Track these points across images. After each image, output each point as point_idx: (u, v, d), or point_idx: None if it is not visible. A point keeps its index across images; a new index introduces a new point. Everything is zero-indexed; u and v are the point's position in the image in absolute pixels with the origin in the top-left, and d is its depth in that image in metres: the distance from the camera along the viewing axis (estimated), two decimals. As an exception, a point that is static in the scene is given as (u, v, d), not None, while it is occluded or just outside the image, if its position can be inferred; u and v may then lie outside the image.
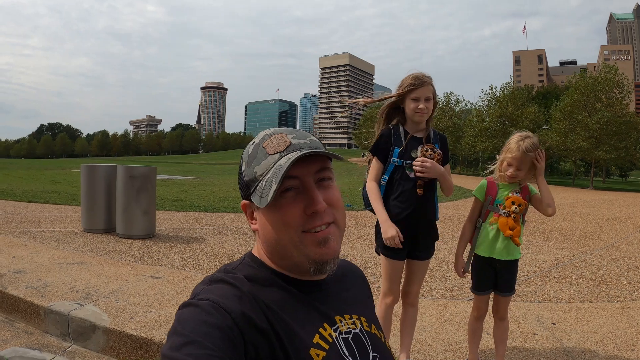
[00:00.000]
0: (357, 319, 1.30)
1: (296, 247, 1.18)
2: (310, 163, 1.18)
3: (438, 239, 3.68)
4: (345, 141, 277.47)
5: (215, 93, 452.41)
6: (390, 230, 3.29)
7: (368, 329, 1.30)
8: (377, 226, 3.53)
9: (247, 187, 1.23)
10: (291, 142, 1.20)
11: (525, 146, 3.38)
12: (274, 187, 1.11)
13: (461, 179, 41.28)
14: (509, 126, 55.79)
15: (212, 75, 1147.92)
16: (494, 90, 61.63)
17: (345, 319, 1.27)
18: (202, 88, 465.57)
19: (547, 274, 7.12)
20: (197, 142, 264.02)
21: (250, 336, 1.04)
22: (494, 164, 3.69)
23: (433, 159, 3.33)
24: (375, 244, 3.69)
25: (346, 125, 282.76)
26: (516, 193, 3.47)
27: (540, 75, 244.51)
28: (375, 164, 3.52)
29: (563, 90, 63.26)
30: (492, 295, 3.69)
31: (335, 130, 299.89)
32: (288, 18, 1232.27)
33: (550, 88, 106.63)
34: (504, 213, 3.43)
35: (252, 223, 1.28)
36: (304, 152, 1.13)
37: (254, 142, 1.25)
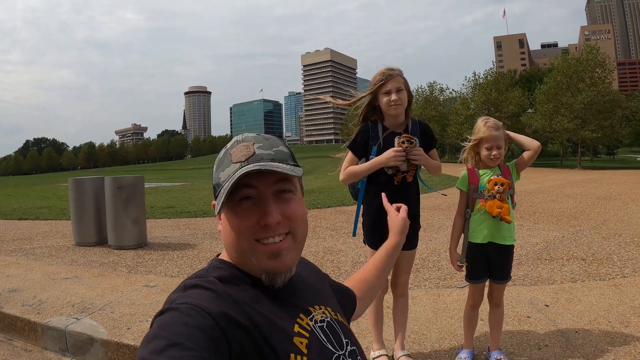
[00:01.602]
0: (325, 309, 1.35)
1: (248, 256, 1.22)
2: (268, 174, 1.20)
3: (420, 227, 3.74)
4: (332, 137, 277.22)
5: (199, 97, 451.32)
6: (387, 153, 3.35)
7: (336, 318, 1.36)
8: (356, 218, 3.63)
9: (214, 190, 1.28)
10: (254, 152, 1.22)
11: (493, 124, 3.52)
12: (223, 198, 1.17)
13: (449, 167, 41.27)
14: (494, 112, 55.99)
15: (196, 79, 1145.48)
16: (477, 77, 61.89)
17: (316, 309, 1.32)
18: (186, 93, 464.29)
19: (538, 257, 7.19)
20: (184, 147, 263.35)
21: (233, 334, 1.06)
22: (464, 152, 3.77)
23: (411, 149, 3.34)
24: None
25: (332, 121, 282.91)
26: (497, 176, 3.53)
27: (523, 59, 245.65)
28: (348, 157, 3.59)
29: (546, 73, 63.45)
30: (487, 283, 3.74)
31: (322, 127, 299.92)
32: (270, 17, 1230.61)
33: (533, 71, 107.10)
34: (489, 196, 3.48)
35: (219, 223, 1.31)
36: (255, 167, 1.16)
37: (226, 147, 1.30)
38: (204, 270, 1.29)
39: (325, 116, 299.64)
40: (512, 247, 3.63)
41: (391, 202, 3.44)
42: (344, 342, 1.29)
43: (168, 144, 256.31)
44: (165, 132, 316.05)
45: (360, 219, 3.73)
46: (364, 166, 3.45)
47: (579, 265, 6.63)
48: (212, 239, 9.58)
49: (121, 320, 4.65)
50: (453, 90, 72.90)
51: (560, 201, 14.94)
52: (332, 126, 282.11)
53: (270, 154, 1.23)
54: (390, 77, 3.41)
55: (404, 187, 3.48)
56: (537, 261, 6.91)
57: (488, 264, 3.62)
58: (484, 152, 3.55)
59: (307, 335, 1.20)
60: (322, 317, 1.31)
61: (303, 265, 1.51)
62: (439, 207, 13.29)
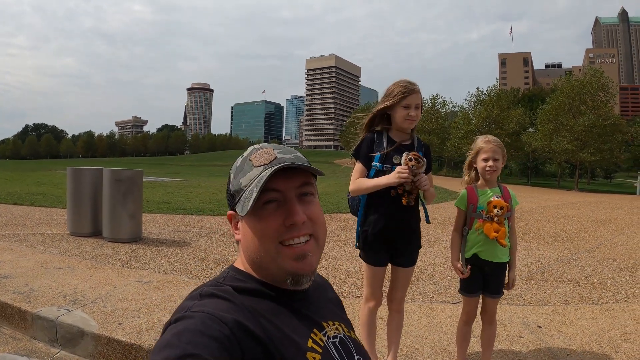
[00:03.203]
0: (338, 324, 1.35)
1: (273, 259, 1.22)
2: (292, 177, 1.23)
3: (420, 247, 3.72)
4: (331, 142, 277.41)
5: (201, 94, 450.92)
6: (393, 174, 3.32)
7: (349, 334, 1.35)
8: (358, 231, 3.60)
9: (233, 198, 1.28)
10: (276, 156, 1.24)
11: (492, 139, 3.60)
12: (254, 196, 1.16)
13: (447, 181, 41.40)
14: (495, 128, 56.10)
15: (199, 75, 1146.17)
16: (480, 92, 61.96)
17: (330, 325, 1.31)
18: (188, 89, 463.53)
19: (532, 277, 7.20)
20: (183, 143, 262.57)
21: (248, 345, 1.05)
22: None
23: (417, 168, 3.31)
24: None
25: (332, 127, 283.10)
26: (497, 197, 3.55)
27: (526, 77, 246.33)
28: (358, 167, 3.57)
29: (548, 93, 63.62)
30: (480, 300, 3.75)
31: (322, 132, 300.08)
32: (277, 18, 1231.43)
33: (536, 91, 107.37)
34: (487, 217, 3.50)
35: (236, 233, 1.32)
36: (285, 164, 1.19)
37: (243, 156, 1.31)
38: (220, 278, 1.28)
39: (326, 122, 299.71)
40: (506, 263, 3.67)
41: (392, 220, 3.46)
42: (356, 359, 1.28)
43: (167, 139, 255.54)
44: (165, 126, 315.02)
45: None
46: (371, 182, 3.43)
47: (572, 287, 6.64)
48: (207, 237, 9.55)
49: (113, 315, 4.63)
50: (456, 104, 72.96)
51: (556, 222, 14.96)
52: (332, 132, 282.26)
53: (291, 158, 1.25)
54: (413, 92, 3.44)
55: (406, 206, 3.47)
56: (531, 281, 6.92)
57: (482, 279, 3.66)
58: (480, 164, 3.60)
59: (320, 351, 1.19)
60: (335, 332, 1.30)
61: (318, 278, 1.50)
62: (434, 221, 13.30)
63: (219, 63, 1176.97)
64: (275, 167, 1.18)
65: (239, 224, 1.30)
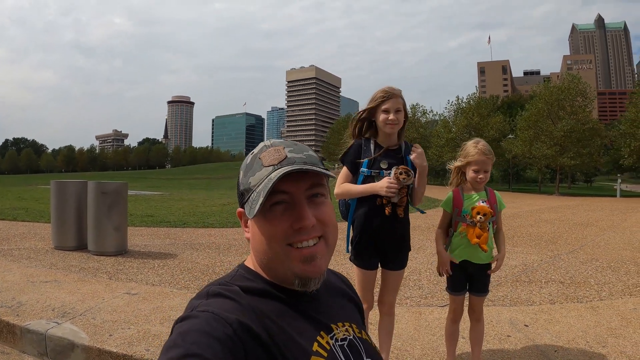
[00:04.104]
0: (349, 325, 1.31)
1: (281, 261, 1.19)
2: (302, 179, 1.20)
3: (410, 249, 3.77)
4: (312, 152, 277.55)
5: (182, 107, 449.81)
6: (381, 182, 3.40)
7: (360, 335, 1.31)
8: (348, 235, 3.65)
9: (242, 196, 1.25)
10: (287, 156, 1.21)
11: (482, 148, 3.61)
12: (261, 199, 1.14)
13: (428, 189, 41.57)
14: (475, 136, 56.33)
15: (179, 88, 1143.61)
16: (460, 101, 62.56)
17: (339, 327, 1.28)
18: (169, 102, 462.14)
19: (517, 279, 7.28)
20: (165, 156, 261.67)
21: (251, 347, 1.05)
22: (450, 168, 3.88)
23: (407, 182, 3.41)
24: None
25: (314, 137, 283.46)
26: (482, 202, 3.61)
27: (505, 85, 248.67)
28: (344, 172, 3.64)
29: (527, 100, 64.47)
30: (467, 299, 3.80)
31: (303, 143, 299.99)
32: (257, 31, 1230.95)
33: (515, 98, 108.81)
34: (471, 222, 3.57)
35: (245, 231, 1.30)
36: (294, 167, 1.15)
37: (253, 153, 1.28)
38: (228, 277, 1.27)
39: (307, 132, 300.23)
40: (489, 264, 3.73)
41: (381, 226, 3.52)
42: None
43: (148, 152, 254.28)
44: (146, 140, 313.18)
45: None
46: (358, 188, 3.50)
47: (557, 287, 6.74)
48: (192, 249, 9.56)
49: (103, 327, 4.62)
50: (436, 113, 73.52)
51: (539, 226, 15.14)
52: (313, 143, 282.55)
53: (302, 158, 1.23)
54: (392, 96, 3.51)
55: (394, 214, 3.54)
56: (516, 283, 7.01)
57: (467, 279, 3.74)
58: (470, 174, 3.67)
59: (326, 355, 1.17)
60: (344, 335, 1.27)
61: (331, 275, 1.49)
62: (418, 228, 13.40)
63: (200, 76, 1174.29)
64: (284, 171, 1.14)
65: (248, 222, 1.27)
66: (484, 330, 3.88)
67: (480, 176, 3.61)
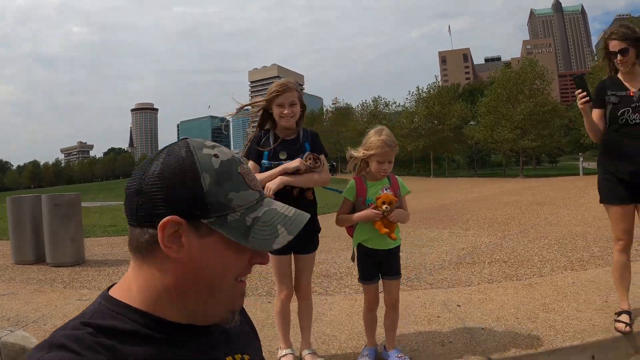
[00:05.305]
0: (242, 356, 1.15)
1: (227, 296, 1.05)
2: None
3: (319, 230, 3.83)
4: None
5: (146, 114, 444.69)
6: (276, 180, 3.47)
7: None
8: None
9: (204, 206, 0.97)
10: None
11: (386, 139, 3.56)
12: (288, 237, 1.01)
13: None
14: (438, 124, 57.40)
15: (143, 95, 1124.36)
16: (420, 91, 63.01)
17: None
18: (133, 110, 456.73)
19: (461, 261, 7.38)
20: (131, 165, 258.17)
21: None
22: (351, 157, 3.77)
23: (313, 168, 3.54)
24: None
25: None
26: (386, 189, 3.61)
27: (467, 73, 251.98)
28: (250, 165, 3.68)
29: (488, 86, 65.26)
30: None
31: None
32: (218, 32, 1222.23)
33: (476, 84, 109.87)
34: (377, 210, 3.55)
35: (171, 249, 0.96)
36: (298, 228, 1.04)
37: (218, 157, 1.02)
38: (87, 312, 1.01)
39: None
40: (398, 246, 3.75)
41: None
42: None
43: (115, 162, 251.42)
44: (112, 150, 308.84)
45: None
46: (267, 173, 3.57)
47: (499, 267, 6.84)
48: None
49: (52, 331, 4.63)
50: (399, 104, 73.97)
51: (496, 209, 15.30)
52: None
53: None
54: (285, 90, 3.61)
55: (298, 197, 3.63)
56: (459, 265, 7.10)
57: (377, 265, 3.72)
58: (374, 166, 3.59)
59: None
60: None
61: None
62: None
63: (162, 81, 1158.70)
64: (298, 229, 1.03)
65: (189, 239, 0.98)
66: (398, 316, 3.87)
67: (384, 167, 3.57)
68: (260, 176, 3.56)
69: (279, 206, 1.06)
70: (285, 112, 3.59)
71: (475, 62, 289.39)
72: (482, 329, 4.27)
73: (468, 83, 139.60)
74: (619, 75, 4.09)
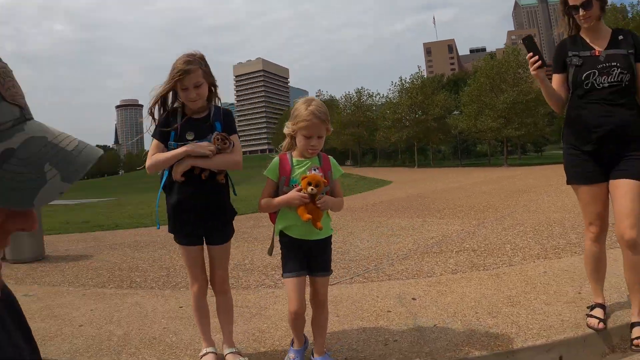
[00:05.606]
0: None
1: None
2: None
3: (233, 217, 3.49)
4: (266, 147, 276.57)
5: (131, 110, 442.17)
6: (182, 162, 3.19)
7: None
8: (167, 209, 3.43)
9: None
10: None
11: (314, 110, 3.00)
12: (62, 186, 0.80)
13: (379, 171, 41.78)
14: (421, 115, 57.69)
15: (127, 92, 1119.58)
16: (403, 81, 62.89)
17: None
18: (117, 107, 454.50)
19: (428, 250, 6.98)
20: (117, 163, 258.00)
21: None
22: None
23: (222, 149, 3.21)
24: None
25: (265, 130, 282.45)
26: (314, 170, 3.10)
27: (452, 64, 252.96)
28: (154, 144, 3.35)
29: (472, 76, 65.43)
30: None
31: (255, 137, 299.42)
32: (201, 27, 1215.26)
33: (461, 75, 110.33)
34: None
35: None
36: None
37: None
38: None
39: (258, 126, 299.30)
40: (329, 237, 3.25)
41: (197, 194, 3.23)
42: None
43: (100, 160, 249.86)
44: (97, 147, 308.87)
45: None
46: (169, 154, 3.22)
47: (467, 256, 6.44)
48: (111, 249, 9.22)
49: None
50: (383, 95, 73.79)
51: (475, 197, 15.00)
52: (265, 136, 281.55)
53: None
54: (187, 73, 3.16)
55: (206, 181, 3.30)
56: (425, 255, 6.70)
57: (306, 257, 3.17)
58: (301, 141, 3.07)
59: None
60: None
61: None
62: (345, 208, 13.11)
63: (146, 77, 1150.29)
64: None
65: None
66: (327, 318, 3.36)
67: (313, 143, 3.04)
68: (162, 156, 3.22)
69: (52, 134, 0.76)
70: (192, 95, 3.21)
71: (460, 53, 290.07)
72: (435, 325, 3.83)
73: (453, 74, 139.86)
74: (582, 34, 3.66)
